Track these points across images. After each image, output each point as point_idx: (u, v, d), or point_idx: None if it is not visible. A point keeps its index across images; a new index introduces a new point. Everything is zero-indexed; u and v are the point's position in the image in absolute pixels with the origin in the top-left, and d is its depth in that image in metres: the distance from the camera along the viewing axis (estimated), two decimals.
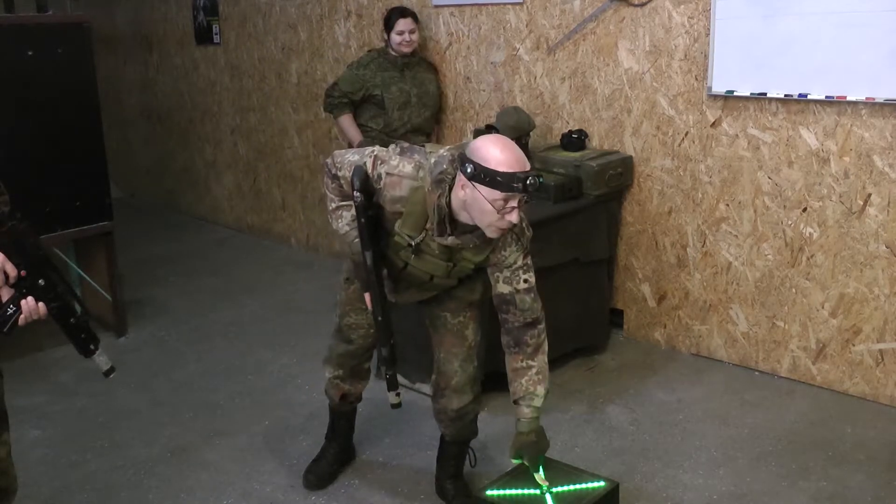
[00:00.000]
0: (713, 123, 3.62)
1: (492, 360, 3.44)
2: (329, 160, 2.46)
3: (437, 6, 4.54)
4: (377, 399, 3.52)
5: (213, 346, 4.21)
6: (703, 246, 3.77)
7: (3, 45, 3.72)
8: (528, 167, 2.15)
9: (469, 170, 2.15)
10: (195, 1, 6.29)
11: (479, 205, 2.17)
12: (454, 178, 2.23)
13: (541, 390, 2.42)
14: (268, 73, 5.75)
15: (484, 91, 4.44)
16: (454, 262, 2.41)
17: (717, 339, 3.81)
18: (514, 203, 2.15)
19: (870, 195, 3.26)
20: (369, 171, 2.30)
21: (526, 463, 2.48)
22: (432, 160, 2.28)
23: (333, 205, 2.48)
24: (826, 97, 3.27)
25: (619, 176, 3.83)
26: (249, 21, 5.85)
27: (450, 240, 2.30)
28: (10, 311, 1.92)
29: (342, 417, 2.96)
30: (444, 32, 4.56)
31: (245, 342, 4.25)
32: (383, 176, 2.29)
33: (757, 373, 3.69)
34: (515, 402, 2.45)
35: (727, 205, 3.65)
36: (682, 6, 3.60)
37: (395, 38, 4.28)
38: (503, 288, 2.41)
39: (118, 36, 7.35)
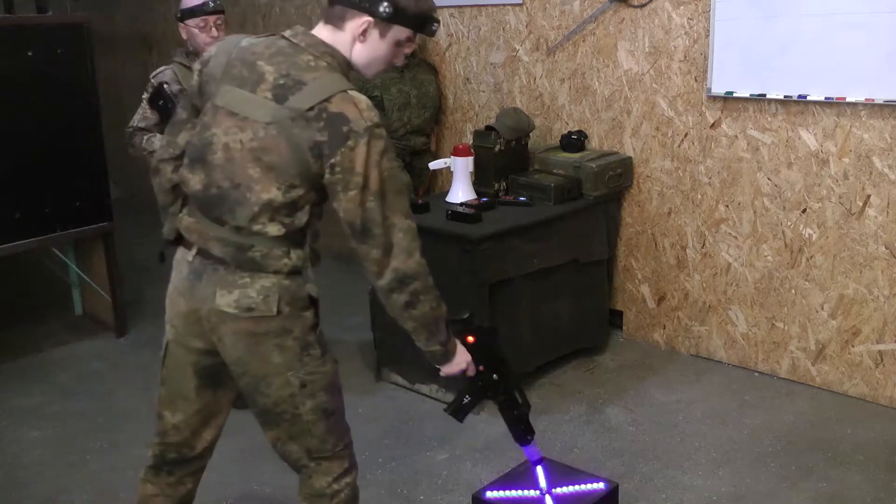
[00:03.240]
0: (713, 124, 3.63)
1: None
2: (125, 135, 3.34)
3: (436, 7, 4.54)
4: (377, 400, 3.53)
5: None
6: (702, 247, 3.77)
7: (3, 45, 3.72)
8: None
9: (178, 15, 3.24)
10: None
11: (192, 34, 3.24)
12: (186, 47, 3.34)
13: None
14: None
15: (483, 92, 4.45)
16: None
17: (716, 339, 3.81)
18: (210, 23, 3.20)
19: (869, 196, 3.26)
20: (148, 93, 3.29)
21: None
22: None
23: (143, 142, 3.23)
24: (825, 98, 3.27)
25: (618, 177, 3.83)
26: (249, 21, 5.85)
27: None
28: (466, 401, 2.15)
29: None
30: (444, 33, 4.56)
31: None
32: (153, 81, 3.32)
33: (756, 374, 3.70)
34: None
35: (727, 206, 3.65)
36: (682, 7, 3.61)
37: None
38: None
39: (118, 36, 7.34)
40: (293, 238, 1.84)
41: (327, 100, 1.74)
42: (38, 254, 4.22)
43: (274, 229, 1.81)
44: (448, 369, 2.02)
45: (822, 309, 3.47)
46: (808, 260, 3.47)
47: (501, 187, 3.85)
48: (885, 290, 3.29)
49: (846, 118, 3.26)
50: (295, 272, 1.86)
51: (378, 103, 4.29)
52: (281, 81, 1.77)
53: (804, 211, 3.44)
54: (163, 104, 3.17)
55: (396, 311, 1.85)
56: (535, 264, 3.48)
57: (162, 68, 3.36)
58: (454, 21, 4.50)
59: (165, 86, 3.20)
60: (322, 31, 1.87)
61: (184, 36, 3.31)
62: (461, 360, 2.01)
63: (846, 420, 3.27)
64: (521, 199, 3.68)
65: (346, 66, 1.87)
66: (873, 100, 3.16)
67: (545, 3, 4.06)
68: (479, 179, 3.83)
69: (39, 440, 3.32)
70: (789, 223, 3.49)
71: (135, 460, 3.15)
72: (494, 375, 2.12)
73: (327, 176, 1.75)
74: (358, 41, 1.86)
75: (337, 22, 1.86)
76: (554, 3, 4.03)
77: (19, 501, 2.90)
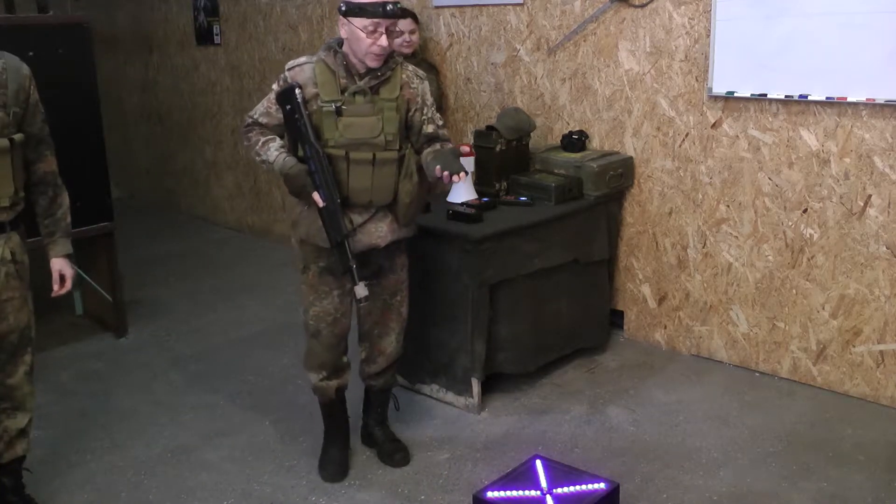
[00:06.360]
0: (713, 124, 3.62)
1: (492, 361, 3.45)
2: (243, 123, 2.90)
3: (437, 7, 4.55)
4: None
5: (213, 346, 4.21)
6: (703, 247, 3.77)
7: (4, 45, 3.70)
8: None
9: (342, 8, 2.67)
10: (196, 1, 6.29)
11: (355, 36, 2.64)
12: (340, 42, 2.75)
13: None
14: (268, 74, 5.75)
15: (484, 92, 4.45)
16: (379, 112, 2.72)
17: (717, 340, 3.81)
18: (381, 30, 2.61)
19: (870, 196, 3.26)
20: (279, 85, 2.76)
21: (441, 166, 2.63)
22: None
23: (259, 144, 2.80)
24: (826, 98, 3.27)
25: (619, 177, 3.83)
26: (250, 22, 5.85)
27: (362, 82, 2.71)
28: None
29: (336, 409, 3.06)
30: (445, 33, 4.56)
31: (245, 342, 4.25)
32: (287, 75, 2.75)
33: (757, 374, 3.69)
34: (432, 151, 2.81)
35: (727, 206, 3.65)
36: (683, 7, 3.61)
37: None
38: (428, 128, 2.84)
39: (118, 36, 7.35)
40: None
41: None
42: (38, 254, 4.22)
43: None
44: None
45: (823, 309, 3.47)
46: (808, 260, 3.47)
47: (502, 187, 3.84)
48: (886, 290, 3.28)
49: (847, 118, 3.26)
50: None
51: None
52: None
53: (805, 211, 3.44)
54: (290, 110, 2.68)
55: None
56: (535, 264, 3.48)
57: (303, 60, 2.77)
58: (455, 21, 4.50)
59: (298, 91, 2.67)
60: None
61: (343, 34, 2.71)
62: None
63: (847, 420, 3.27)
64: (522, 198, 3.68)
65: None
66: (874, 100, 3.15)
67: (546, 3, 4.06)
68: (480, 179, 3.83)
69: (40, 440, 3.31)
70: (790, 223, 3.48)
71: (135, 460, 3.16)
72: None
73: None
74: None
75: None
76: (555, 3, 4.03)
77: None
